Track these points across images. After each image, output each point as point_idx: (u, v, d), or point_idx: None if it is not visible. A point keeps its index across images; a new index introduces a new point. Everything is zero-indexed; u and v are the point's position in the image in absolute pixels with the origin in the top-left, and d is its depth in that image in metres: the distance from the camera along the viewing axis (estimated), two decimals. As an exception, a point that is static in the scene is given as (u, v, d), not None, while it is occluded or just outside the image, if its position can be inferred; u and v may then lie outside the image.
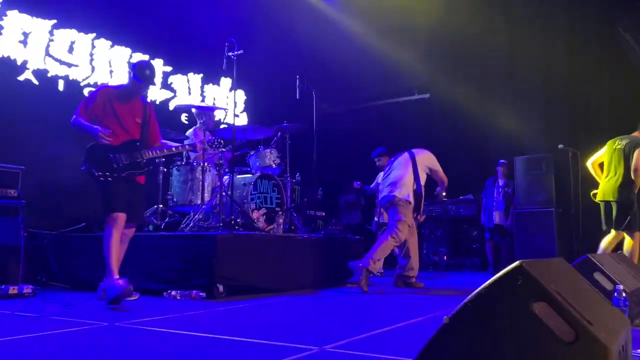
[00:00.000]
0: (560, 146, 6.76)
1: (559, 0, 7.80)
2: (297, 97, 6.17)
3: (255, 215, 5.08)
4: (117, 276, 3.69)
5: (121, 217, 3.82)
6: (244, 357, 2.18)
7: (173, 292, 4.18)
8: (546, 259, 1.83)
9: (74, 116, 3.91)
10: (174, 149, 4.26)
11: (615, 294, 2.58)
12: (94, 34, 6.49)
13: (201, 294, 4.12)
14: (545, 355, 1.43)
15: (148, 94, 6.72)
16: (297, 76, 6.16)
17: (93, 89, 6.35)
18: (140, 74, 3.98)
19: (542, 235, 7.03)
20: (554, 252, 6.77)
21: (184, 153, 5.29)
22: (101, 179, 3.81)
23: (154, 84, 4.18)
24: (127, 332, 2.75)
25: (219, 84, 8.23)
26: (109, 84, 4.40)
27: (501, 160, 7.73)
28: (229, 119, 7.95)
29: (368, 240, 6.32)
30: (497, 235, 7.68)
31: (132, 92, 4.05)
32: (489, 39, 7.92)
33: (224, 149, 4.99)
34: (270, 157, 5.64)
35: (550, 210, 7.02)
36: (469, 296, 1.53)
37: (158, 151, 4.14)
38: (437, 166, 5.46)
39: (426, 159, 5.44)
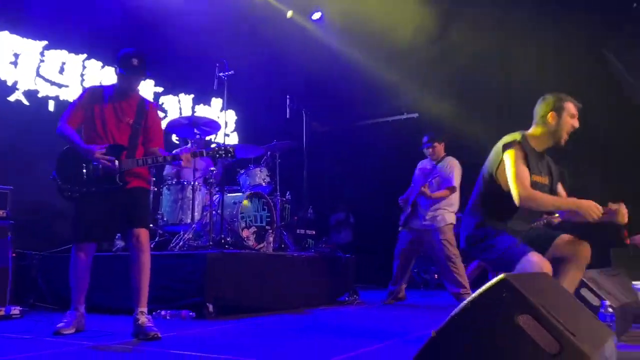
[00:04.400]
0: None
1: (549, 22, 7.94)
2: (288, 116, 6.23)
3: (245, 233, 5.08)
4: (76, 307, 3.36)
5: (87, 248, 3.36)
6: (233, 375, 2.18)
7: (162, 312, 4.14)
8: (531, 273, 1.86)
9: (60, 122, 3.36)
10: (160, 158, 3.40)
11: (602, 310, 2.61)
12: (85, 55, 6.52)
13: (191, 313, 4.09)
14: (530, 367, 1.45)
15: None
16: (287, 95, 6.22)
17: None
18: (126, 65, 3.35)
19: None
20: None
21: (175, 170, 5.28)
22: (66, 193, 3.28)
23: (144, 75, 3.47)
24: (114, 353, 2.73)
25: (210, 105, 8.28)
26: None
27: None
28: (219, 139, 7.98)
29: (360, 258, 6.32)
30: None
31: (121, 89, 3.45)
32: (478, 58, 8.03)
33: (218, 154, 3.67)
34: (260, 176, 5.67)
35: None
36: (455, 309, 1.56)
37: (141, 161, 3.36)
38: None
39: None
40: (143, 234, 3.30)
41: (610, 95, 7.25)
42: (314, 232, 7.18)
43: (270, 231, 5.37)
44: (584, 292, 3.11)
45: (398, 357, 2.60)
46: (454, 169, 5.40)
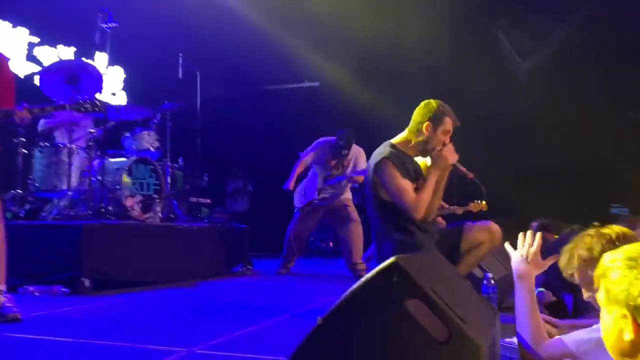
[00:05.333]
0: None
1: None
2: (180, 76, 5.82)
3: (129, 202, 4.70)
4: None
5: None
6: (99, 365, 1.94)
7: (30, 288, 3.72)
8: (424, 254, 1.81)
9: None
10: None
11: (485, 282, 2.67)
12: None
13: (64, 289, 3.72)
14: (419, 354, 1.37)
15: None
16: (180, 55, 5.81)
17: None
18: None
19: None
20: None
21: (48, 129, 4.75)
22: None
23: None
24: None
25: (93, 59, 7.56)
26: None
27: None
28: (104, 98, 7.35)
29: (256, 229, 6.14)
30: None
31: None
32: (377, 31, 8.03)
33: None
34: (148, 140, 5.25)
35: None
36: (344, 295, 1.44)
37: None
38: None
39: None
40: None
41: (498, 74, 7.57)
42: (208, 201, 6.89)
43: (158, 200, 5.02)
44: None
45: (284, 335, 2.49)
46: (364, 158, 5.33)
